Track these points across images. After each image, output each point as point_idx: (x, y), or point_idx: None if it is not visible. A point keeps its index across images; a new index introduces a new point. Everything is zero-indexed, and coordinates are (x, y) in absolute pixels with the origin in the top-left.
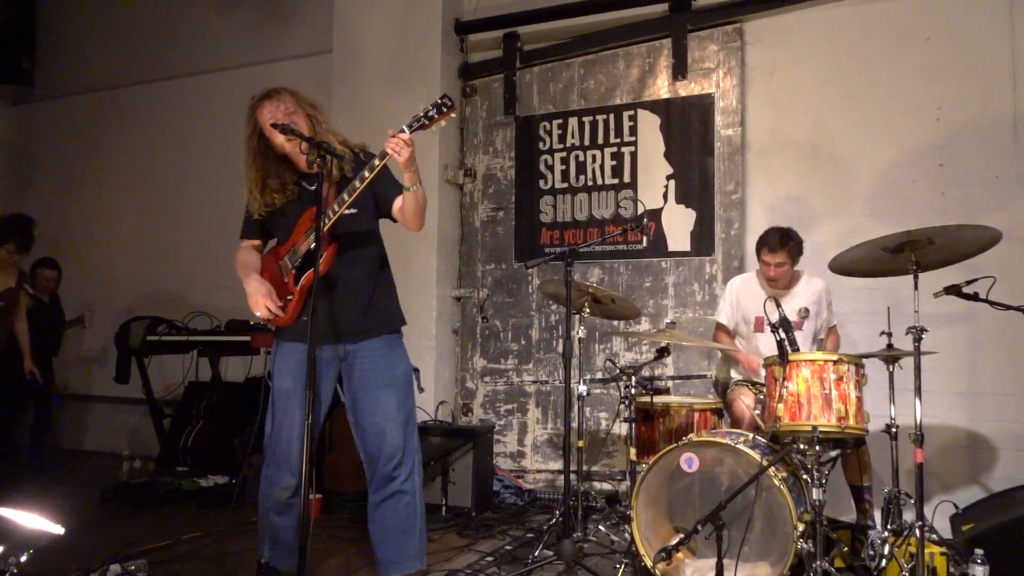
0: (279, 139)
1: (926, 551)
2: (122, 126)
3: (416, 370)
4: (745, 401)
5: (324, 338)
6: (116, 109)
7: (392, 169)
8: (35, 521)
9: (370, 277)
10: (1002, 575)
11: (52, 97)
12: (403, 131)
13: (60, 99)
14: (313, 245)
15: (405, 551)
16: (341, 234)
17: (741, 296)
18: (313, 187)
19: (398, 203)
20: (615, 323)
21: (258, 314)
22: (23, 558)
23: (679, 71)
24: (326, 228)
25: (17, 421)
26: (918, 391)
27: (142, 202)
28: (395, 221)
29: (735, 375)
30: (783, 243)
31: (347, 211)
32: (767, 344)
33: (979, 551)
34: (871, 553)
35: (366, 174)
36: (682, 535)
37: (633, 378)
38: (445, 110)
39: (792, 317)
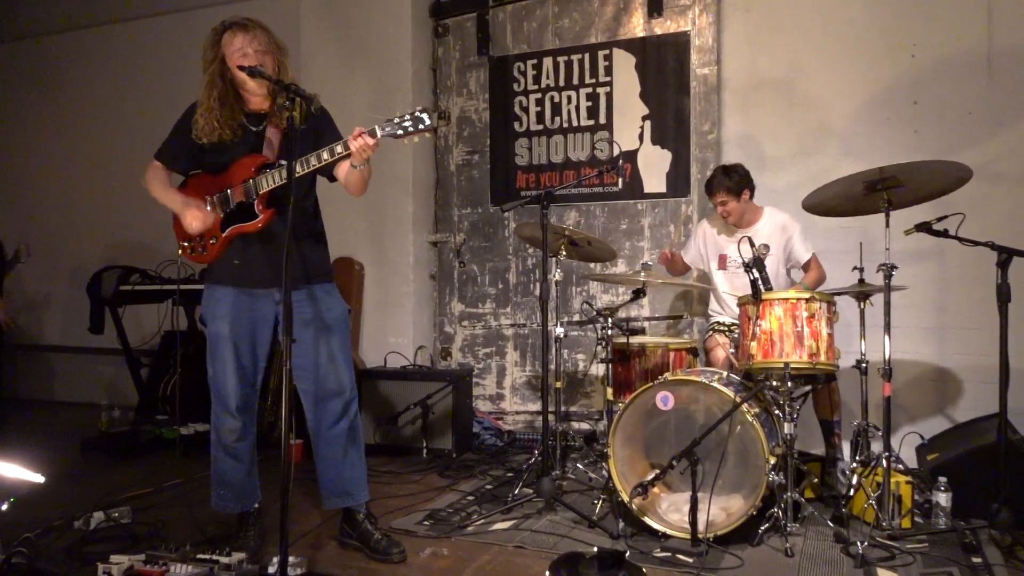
0: (241, 74)
1: (892, 480)
2: (86, 69)
3: (349, 310)
4: (720, 353)
5: (261, 283)
6: (79, 51)
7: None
8: (15, 471)
9: (306, 228)
10: (964, 501)
11: (12, 39)
12: (374, 133)
13: (20, 42)
14: (249, 198)
15: (359, 482)
16: (280, 193)
17: (708, 234)
18: (256, 128)
19: (342, 169)
20: (591, 266)
21: (192, 228)
22: (4, 507)
23: (654, 8)
24: (266, 190)
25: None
26: (887, 327)
27: (109, 148)
28: (333, 182)
29: (712, 316)
30: (719, 184)
31: (303, 172)
32: (727, 281)
33: (943, 479)
34: (840, 481)
35: (325, 155)
36: (658, 471)
37: (609, 319)
38: (422, 127)
39: None
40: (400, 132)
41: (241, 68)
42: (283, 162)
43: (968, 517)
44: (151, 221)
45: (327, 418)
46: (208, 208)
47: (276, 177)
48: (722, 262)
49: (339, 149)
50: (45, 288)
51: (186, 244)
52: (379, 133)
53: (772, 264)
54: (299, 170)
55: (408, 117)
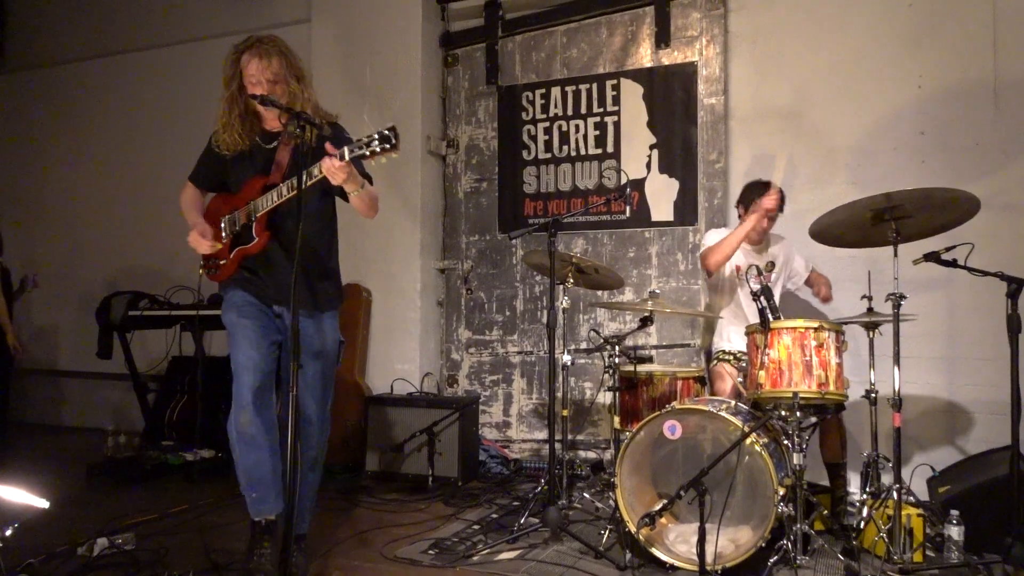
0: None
1: (903, 513)
2: (97, 98)
3: (342, 342)
4: (727, 382)
5: (272, 299)
6: (91, 81)
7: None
8: (19, 495)
9: (311, 253)
10: (977, 535)
11: (24, 69)
12: (343, 155)
13: (33, 71)
14: (249, 220)
15: (303, 514)
16: (282, 216)
17: None
18: (270, 145)
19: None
20: (599, 293)
21: (199, 249)
22: (8, 532)
23: (662, 39)
24: (263, 212)
25: (7, 398)
26: (897, 357)
27: (119, 175)
28: (347, 201)
29: (717, 345)
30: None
31: (292, 193)
32: (745, 295)
33: (955, 512)
34: (850, 511)
35: (315, 172)
36: (665, 501)
37: (617, 347)
38: (388, 147)
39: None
40: (367, 153)
41: (253, 97)
42: (280, 191)
43: (981, 551)
44: (160, 247)
45: (306, 441)
46: (212, 231)
47: (273, 198)
48: (736, 271)
49: (316, 172)
50: (55, 313)
51: (203, 264)
52: (347, 155)
53: (777, 280)
54: (285, 192)
55: (375, 137)
